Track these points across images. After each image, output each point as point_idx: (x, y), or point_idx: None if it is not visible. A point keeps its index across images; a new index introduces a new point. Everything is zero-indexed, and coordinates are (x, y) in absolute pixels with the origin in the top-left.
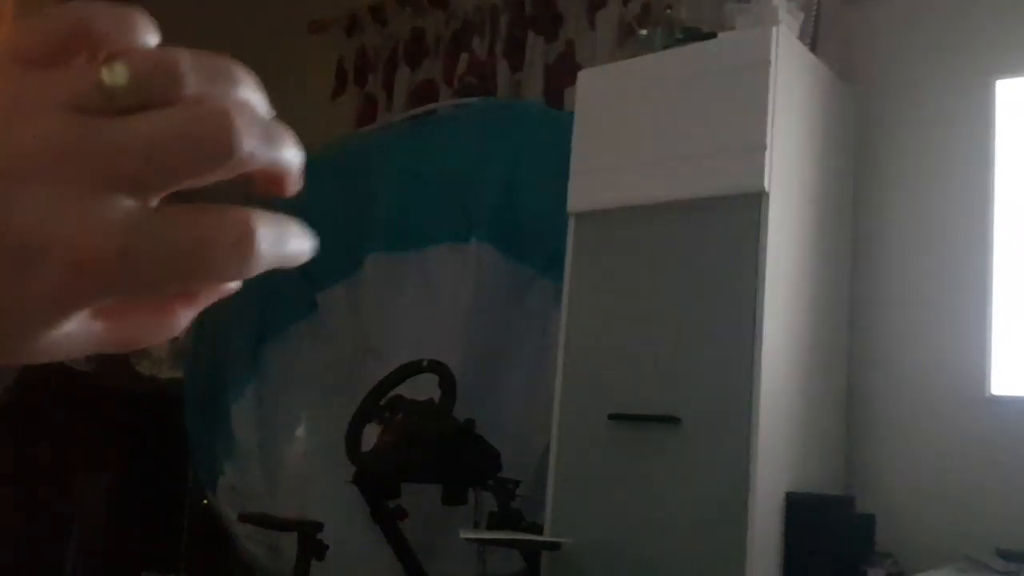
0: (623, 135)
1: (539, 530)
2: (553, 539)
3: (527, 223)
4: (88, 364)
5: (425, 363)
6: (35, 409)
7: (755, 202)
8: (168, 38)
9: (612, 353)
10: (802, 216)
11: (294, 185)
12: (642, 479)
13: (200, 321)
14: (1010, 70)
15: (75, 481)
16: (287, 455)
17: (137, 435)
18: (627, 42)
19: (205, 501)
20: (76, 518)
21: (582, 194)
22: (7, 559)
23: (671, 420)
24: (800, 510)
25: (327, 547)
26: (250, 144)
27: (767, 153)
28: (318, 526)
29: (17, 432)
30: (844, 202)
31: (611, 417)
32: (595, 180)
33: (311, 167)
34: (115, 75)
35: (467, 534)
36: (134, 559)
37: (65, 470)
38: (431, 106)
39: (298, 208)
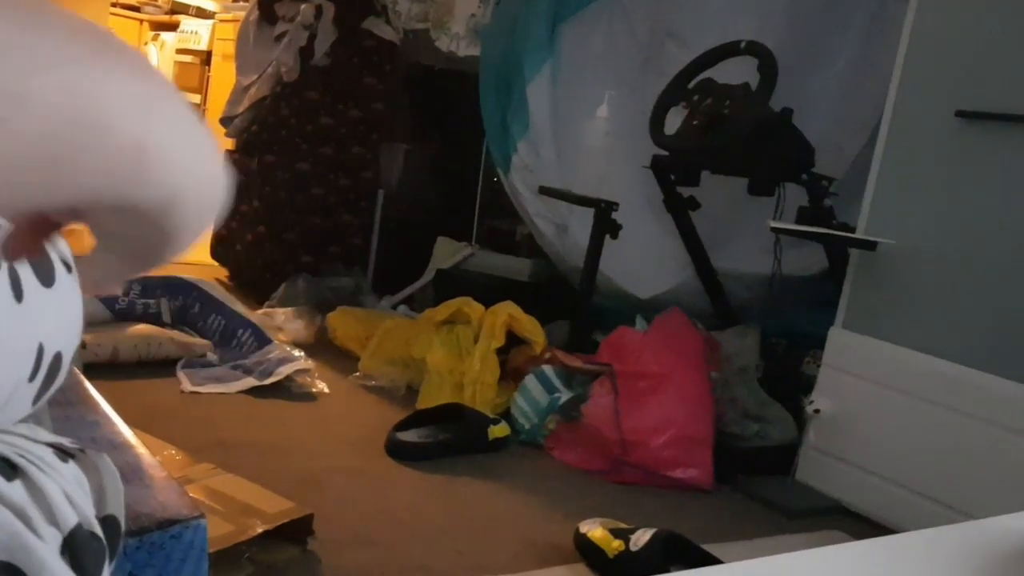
0: None
1: (851, 231)
2: (871, 238)
3: None
4: (395, 34)
5: (743, 44)
6: (348, 75)
7: None
8: None
9: (970, 42)
10: None
11: None
12: (986, 184)
13: (498, 1)
14: None
15: (380, 147)
16: (581, 136)
17: (434, 110)
18: None
19: (496, 178)
20: (382, 182)
21: None
22: (331, 215)
23: None
24: None
25: (620, 226)
26: None
27: None
28: (614, 205)
29: (333, 94)
30: None
31: (959, 115)
32: None
33: None
34: None
35: (776, 224)
36: (431, 226)
37: (372, 136)
38: None
39: None
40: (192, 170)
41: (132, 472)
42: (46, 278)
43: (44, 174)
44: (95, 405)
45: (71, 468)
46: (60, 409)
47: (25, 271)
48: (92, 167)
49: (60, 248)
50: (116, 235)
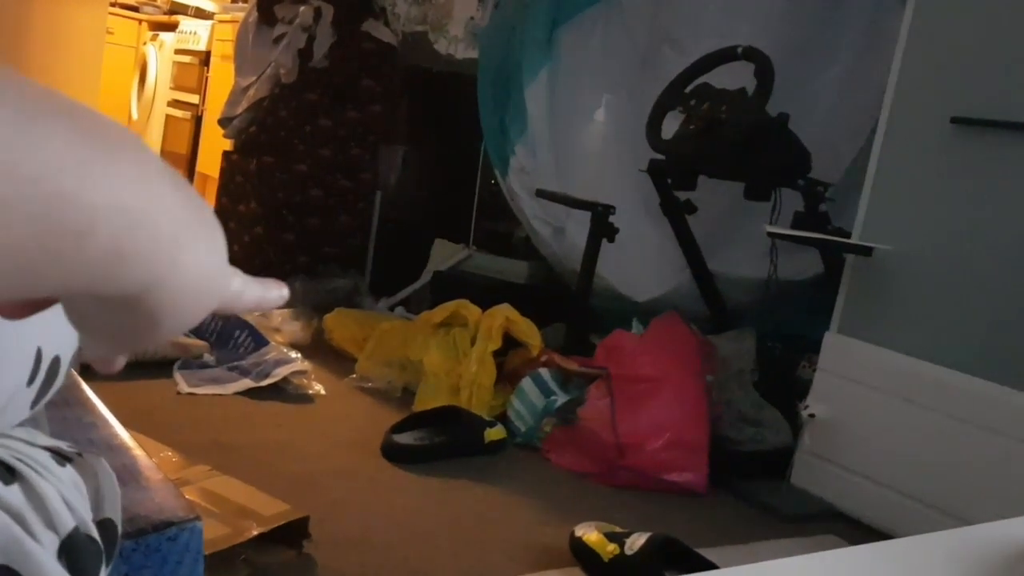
0: None
1: (846, 236)
2: (866, 243)
3: None
4: (394, 37)
5: (740, 50)
6: (346, 77)
7: None
8: None
9: (967, 48)
10: None
11: None
12: (981, 190)
13: (495, 3)
14: None
15: (379, 149)
16: (579, 139)
17: (433, 112)
18: None
19: (493, 180)
20: (379, 184)
21: None
22: (328, 217)
23: None
24: None
25: (617, 230)
26: None
27: None
28: (611, 209)
29: (332, 96)
30: None
31: (954, 121)
32: None
33: None
34: None
35: (772, 229)
36: (428, 228)
37: (370, 138)
38: None
39: None
40: (177, 260)
41: (128, 474)
42: None
43: (12, 279)
44: (92, 407)
45: (68, 472)
46: (57, 410)
47: None
48: (65, 270)
49: None
50: (91, 318)
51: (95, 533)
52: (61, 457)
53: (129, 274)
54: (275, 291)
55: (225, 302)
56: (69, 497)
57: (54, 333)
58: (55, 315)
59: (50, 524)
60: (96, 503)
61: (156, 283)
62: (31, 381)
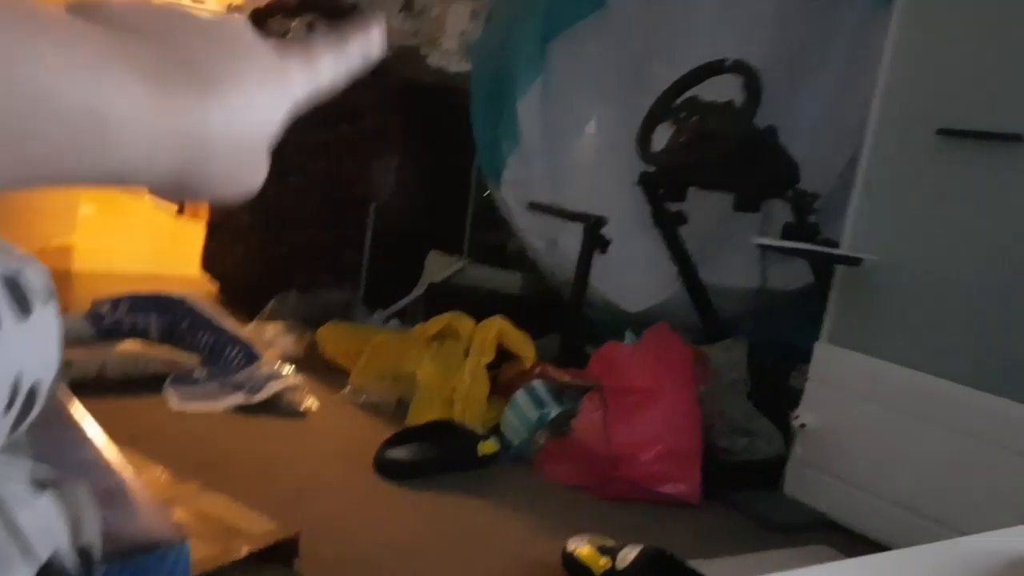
0: None
1: (835, 247)
2: (855, 254)
3: None
4: (387, 50)
5: (728, 62)
6: (338, 91)
7: None
8: None
9: (952, 60)
10: None
11: None
12: (968, 201)
13: (488, 17)
14: None
15: (372, 163)
16: (571, 151)
17: (426, 125)
18: None
19: (487, 193)
20: (374, 197)
21: None
22: (322, 229)
23: (1013, 138)
24: None
25: (610, 241)
26: None
27: None
28: (603, 220)
29: (324, 109)
30: None
31: (940, 132)
32: None
33: None
34: None
35: (762, 240)
36: (423, 239)
37: (363, 150)
38: None
39: None
40: (176, 129)
41: (116, 494)
42: (23, 308)
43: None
44: (81, 425)
45: (47, 499)
46: (44, 430)
47: (1, 301)
48: (46, 136)
49: (36, 278)
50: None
51: (74, 561)
52: (40, 485)
53: (122, 137)
54: (370, 45)
55: (307, 98)
56: (47, 526)
57: (33, 359)
58: (35, 341)
59: (27, 552)
60: (75, 530)
61: (161, 149)
62: (8, 408)
